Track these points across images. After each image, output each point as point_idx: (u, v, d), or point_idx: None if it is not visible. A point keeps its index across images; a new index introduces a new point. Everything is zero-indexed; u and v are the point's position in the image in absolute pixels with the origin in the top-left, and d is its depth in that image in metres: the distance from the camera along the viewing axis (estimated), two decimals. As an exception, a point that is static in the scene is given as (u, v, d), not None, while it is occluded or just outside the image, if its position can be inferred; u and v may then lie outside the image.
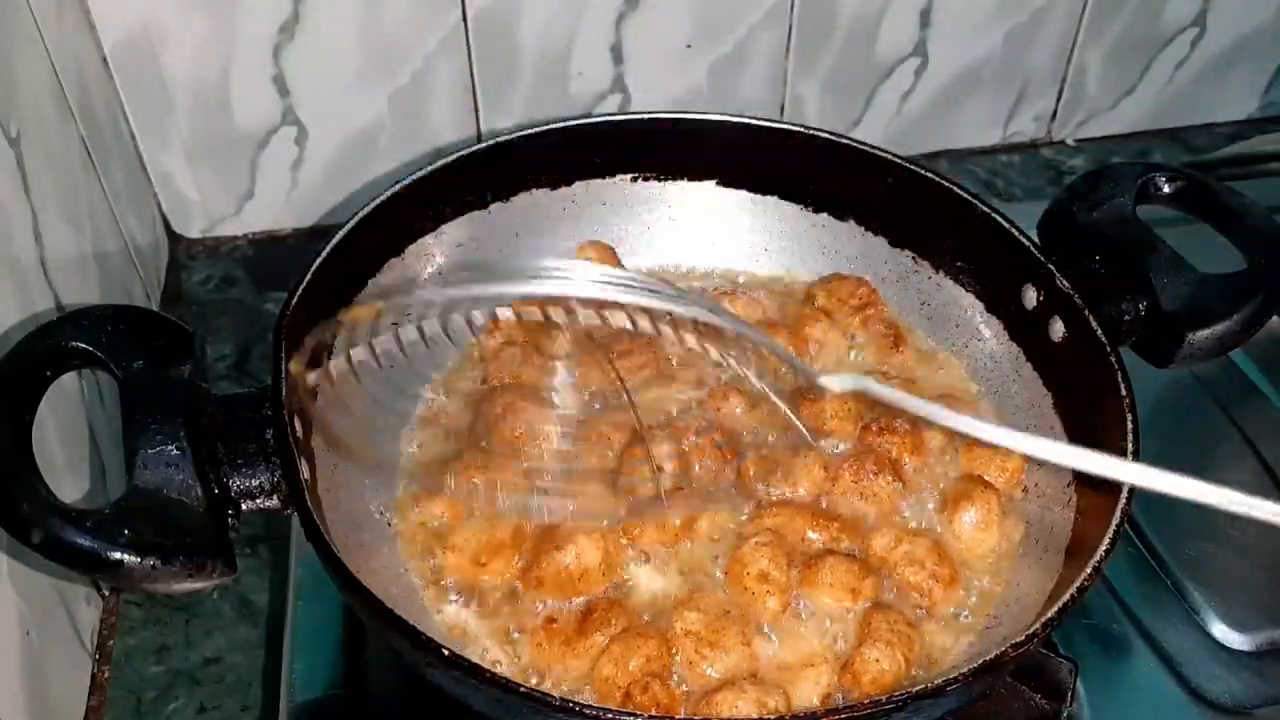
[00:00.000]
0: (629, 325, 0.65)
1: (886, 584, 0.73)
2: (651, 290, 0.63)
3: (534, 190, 0.87)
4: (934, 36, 1.21)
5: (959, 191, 0.82)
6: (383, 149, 1.16)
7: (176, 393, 0.63)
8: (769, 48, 1.17)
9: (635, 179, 0.89)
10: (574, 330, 0.83)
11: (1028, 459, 0.78)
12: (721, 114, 0.86)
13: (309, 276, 0.72)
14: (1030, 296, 0.80)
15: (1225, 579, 0.83)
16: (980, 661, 0.58)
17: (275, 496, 0.64)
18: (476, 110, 1.15)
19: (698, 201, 0.90)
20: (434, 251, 0.85)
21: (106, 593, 0.90)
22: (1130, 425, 0.68)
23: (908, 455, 0.78)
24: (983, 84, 1.27)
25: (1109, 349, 0.73)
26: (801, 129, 0.86)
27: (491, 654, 0.69)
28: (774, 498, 0.76)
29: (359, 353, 0.67)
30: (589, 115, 1.07)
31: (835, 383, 0.74)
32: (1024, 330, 0.82)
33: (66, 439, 0.82)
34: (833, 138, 0.85)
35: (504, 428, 0.77)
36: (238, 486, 0.63)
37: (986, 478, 0.77)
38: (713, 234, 0.91)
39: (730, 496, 0.76)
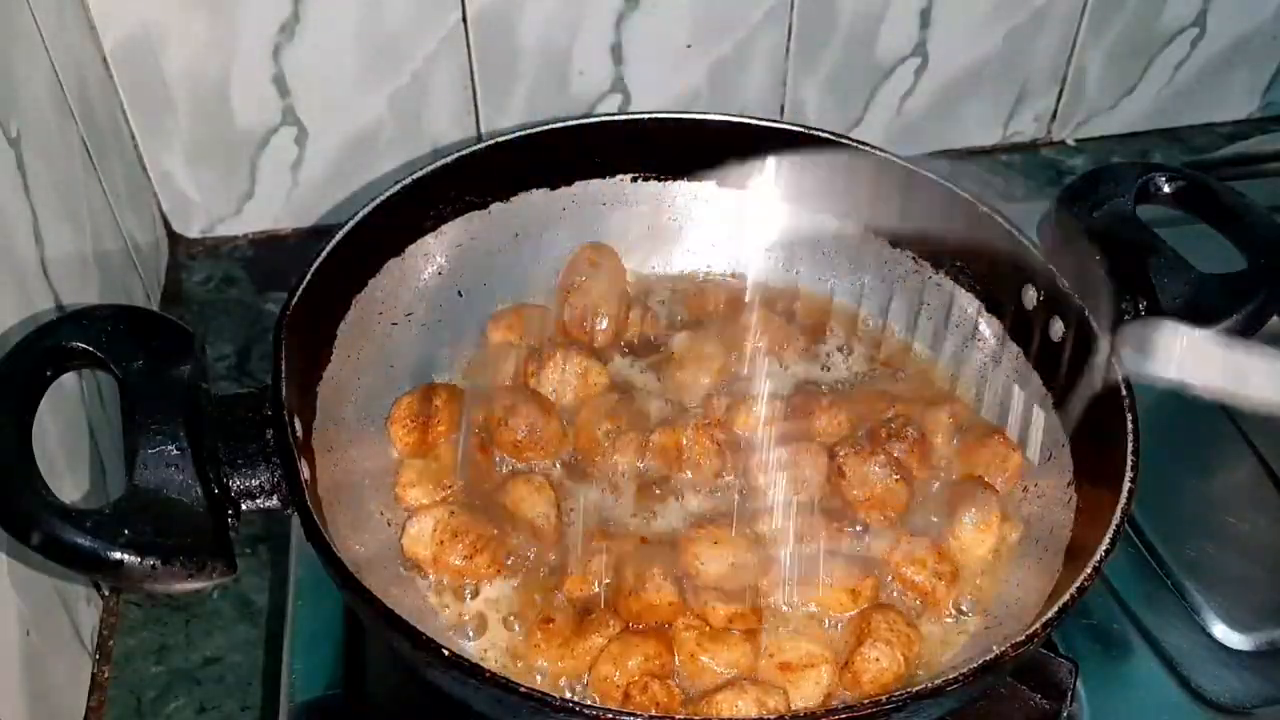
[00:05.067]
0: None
1: (887, 584, 0.73)
2: None
3: (534, 190, 0.87)
4: (934, 36, 1.21)
5: (959, 191, 0.82)
6: (383, 149, 1.16)
7: (176, 393, 0.63)
8: (769, 48, 1.17)
9: (635, 179, 0.89)
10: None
11: (1026, 459, 0.78)
12: (722, 114, 0.86)
13: (309, 276, 0.72)
14: (1030, 296, 0.80)
15: (1225, 579, 0.83)
16: (980, 661, 0.58)
17: (275, 496, 0.64)
18: (476, 110, 1.15)
19: (698, 202, 0.90)
20: (434, 251, 0.85)
21: (106, 593, 0.90)
22: (1130, 425, 0.68)
23: (914, 464, 0.78)
24: (983, 84, 1.27)
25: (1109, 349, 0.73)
26: (802, 129, 0.86)
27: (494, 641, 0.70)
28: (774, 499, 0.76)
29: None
30: (589, 115, 1.07)
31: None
32: (1024, 330, 0.82)
33: (66, 439, 0.82)
34: (833, 138, 0.85)
35: (506, 431, 0.77)
36: (238, 486, 0.63)
37: (986, 478, 0.77)
38: (713, 234, 0.91)
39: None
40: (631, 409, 0.80)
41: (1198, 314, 0.75)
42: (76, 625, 0.84)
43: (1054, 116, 1.33)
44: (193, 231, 1.19)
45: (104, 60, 1.04)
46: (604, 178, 0.88)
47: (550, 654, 0.68)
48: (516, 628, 0.70)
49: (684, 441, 0.77)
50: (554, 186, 0.87)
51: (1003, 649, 0.59)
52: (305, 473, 0.65)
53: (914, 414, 0.80)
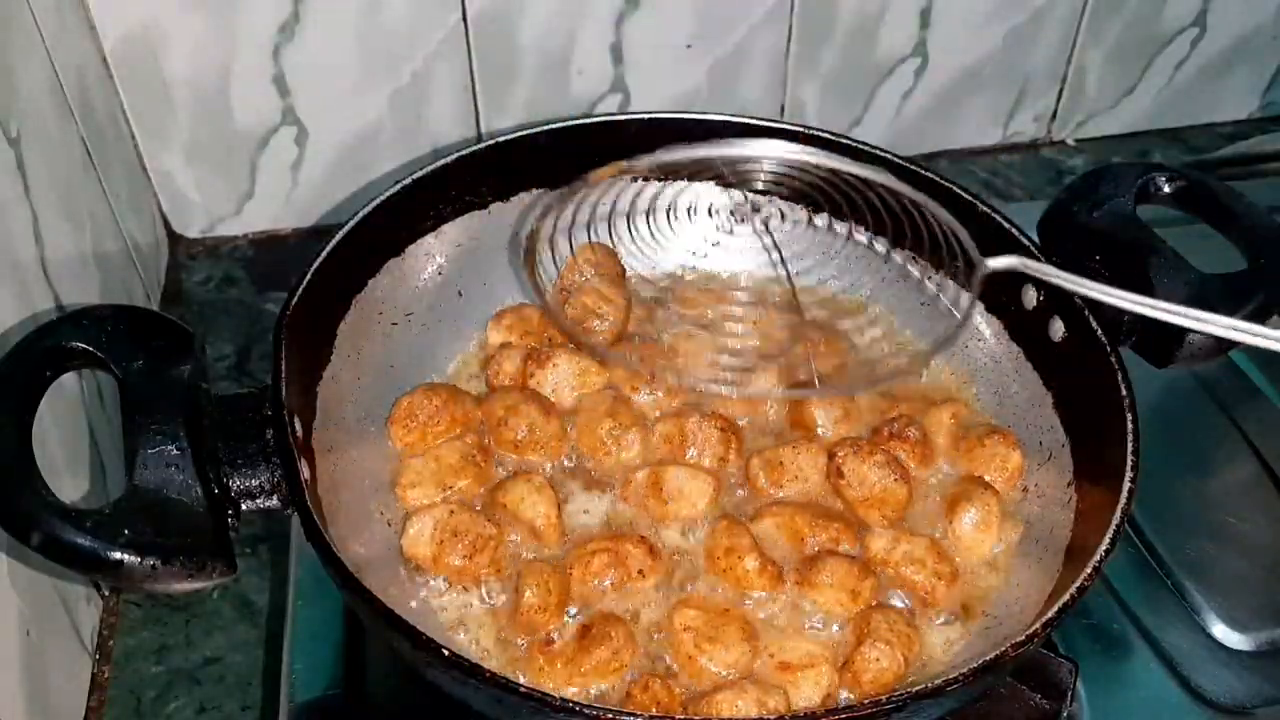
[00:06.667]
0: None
1: (887, 585, 0.73)
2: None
3: (534, 190, 0.87)
4: (934, 36, 1.21)
5: (959, 191, 0.82)
6: (383, 149, 1.16)
7: (176, 393, 0.63)
8: (769, 48, 1.17)
9: (635, 179, 0.89)
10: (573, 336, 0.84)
11: (1027, 459, 0.78)
12: (722, 114, 0.86)
13: (309, 276, 0.72)
14: (1030, 296, 0.80)
15: (1225, 579, 0.83)
16: (980, 661, 0.58)
17: (275, 496, 0.64)
18: (476, 110, 1.15)
19: (698, 201, 0.90)
20: (434, 251, 0.85)
21: (106, 593, 0.90)
22: (1130, 425, 0.68)
23: (915, 464, 0.78)
24: (983, 84, 1.27)
25: (1109, 349, 0.73)
26: (802, 129, 0.86)
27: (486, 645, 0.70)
28: (776, 496, 0.76)
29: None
30: (589, 115, 1.07)
31: (995, 262, 0.75)
32: (1024, 330, 0.82)
33: (66, 439, 0.82)
34: (833, 138, 0.85)
35: (505, 431, 0.77)
36: (238, 486, 0.63)
37: (986, 478, 0.77)
38: (713, 234, 0.91)
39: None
40: (631, 407, 0.80)
41: (1198, 314, 0.75)
42: (76, 625, 0.84)
43: (1054, 116, 1.33)
44: (193, 231, 1.19)
45: (104, 60, 1.04)
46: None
47: (556, 676, 0.67)
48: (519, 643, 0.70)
49: (688, 429, 0.77)
50: (554, 186, 0.87)
51: (1003, 649, 0.59)
52: (305, 473, 0.65)
53: (915, 414, 0.81)
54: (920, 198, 0.76)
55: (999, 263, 0.74)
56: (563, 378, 0.81)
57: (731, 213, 0.87)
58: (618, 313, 0.84)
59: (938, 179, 0.83)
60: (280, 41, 1.07)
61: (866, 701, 0.59)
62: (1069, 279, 0.71)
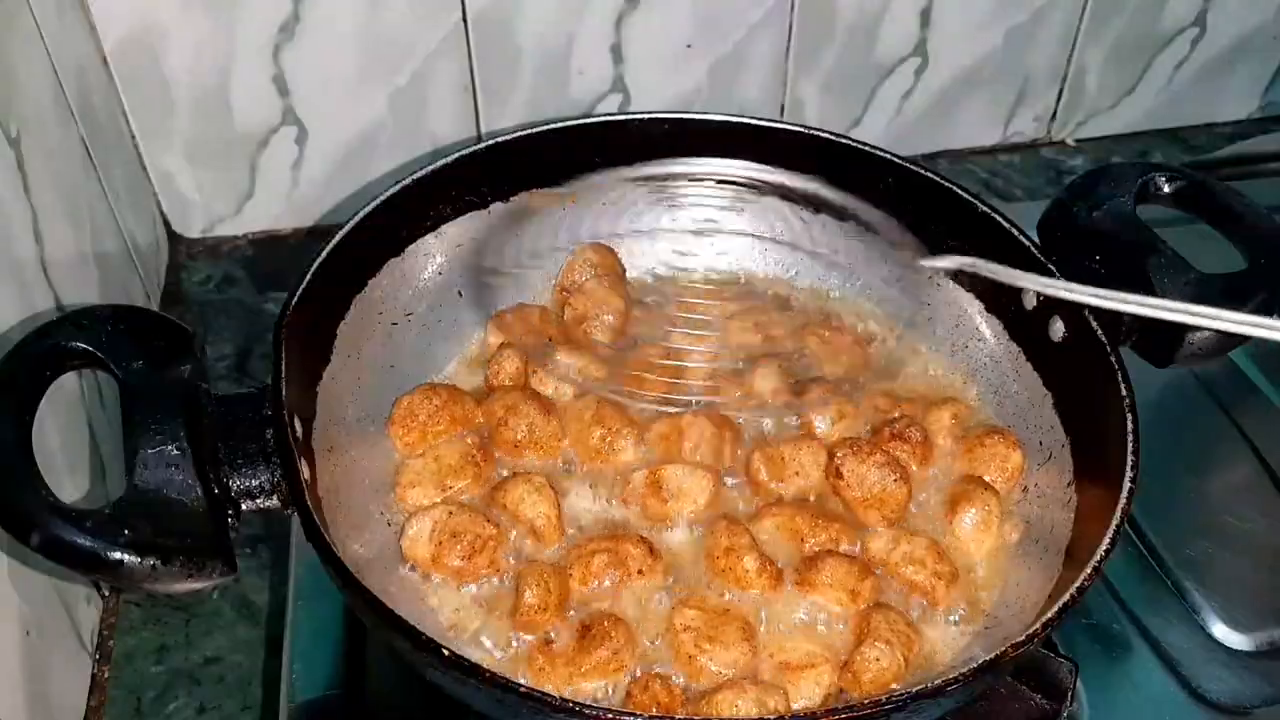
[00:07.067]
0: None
1: (887, 585, 0.73)
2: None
3: (534, 190, 0.87)
4: (934, 36, 1.21)
5: (959, 192, 0.82)
6: (383, 149, 1.16)
7: (176, 393, 0.63)
8: (769, 48, 1.17)
9: (635, 179, 0.89)
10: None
11: (1027, 459, 0.78)
12: (721, 114, 0.86)
13: (309, 276, 0.72)
14: (1030, 296, 0.80)
15: (1225, 579, 0.83)
16: (980, 661, 0.58)
17: (275, 496, 0.64)
18: (476, 110, 1.15)
19: (697, 201, 0.90)
20: (434, 251, 0.85)
21: (106, 593, 0.90)
22: (1130, 425, 0.68)
23: (915, 464, 0.78)
24: (983, 84, 1.27)
25: (1109, 349, 0.73)
26: (802, 129, 0.86)
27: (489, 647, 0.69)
28: (777, 492, 0.76)
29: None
30: (589, 115, 1.07)
31: (942, 261, 0.78)
32: (1024, 330, 0.82)
33: (66, 439, 0.82)
34: (833, 138, 0.86)
35: (505, 431, 0.77)
36: (238, 486, 0.63)
37: (986, 478, 0.77)
38: (712, 234, 0.91)
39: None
40: (621, 409, 0.79)
41: (1198, 314, 0.75)
42: (76, 625, 0.84)
43: (1054, 116, 1.33)
44: (193, 231, 1.19)
45: (104, 60, 1.04)
46: (604, 177, 0.88)
47: (556, 676, 0.67)
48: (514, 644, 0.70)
49: (683, 426, 0.77)
50: (554, 186, 0.87)
51: (1003, 649, 0.59)
52: (305, 473, 0.65)
53: (915, 414, 0.81)
54: (853, 204, 0.78)
55: (940, 263, 0.77)
56: (564, 375, 0.80)
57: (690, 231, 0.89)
58: (618, 313, 0.84)
59: (938, 179, 0.83)
60: (280, 41, 1.07)
61: (866, 701, 0.58)
62: (1004, 272, 0.72)
